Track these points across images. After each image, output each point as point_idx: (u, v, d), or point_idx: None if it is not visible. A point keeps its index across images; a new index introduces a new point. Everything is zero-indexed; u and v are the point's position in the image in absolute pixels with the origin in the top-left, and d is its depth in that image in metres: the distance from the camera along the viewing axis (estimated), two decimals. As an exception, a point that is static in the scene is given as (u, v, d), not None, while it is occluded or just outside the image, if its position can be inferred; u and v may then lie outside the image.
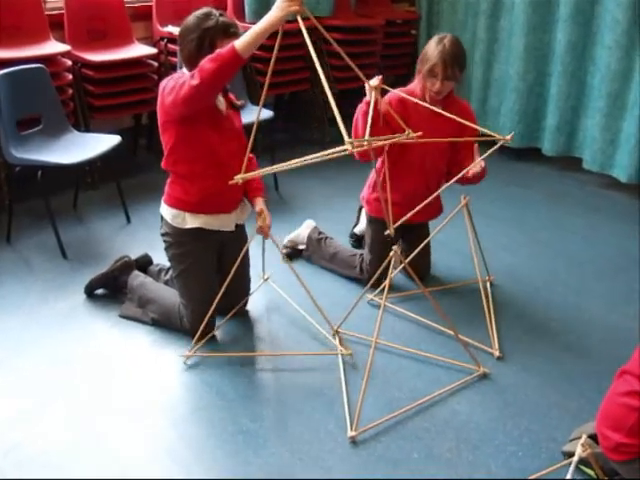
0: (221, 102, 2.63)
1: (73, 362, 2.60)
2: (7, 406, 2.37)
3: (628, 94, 4.04)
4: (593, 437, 2.09)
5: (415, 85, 2.95)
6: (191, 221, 2.64)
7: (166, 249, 2.73)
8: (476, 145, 2.79)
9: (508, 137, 2.43)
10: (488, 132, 2.51)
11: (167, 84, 2.46)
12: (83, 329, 2.81)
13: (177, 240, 2.68)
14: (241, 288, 2.89)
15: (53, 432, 2.25)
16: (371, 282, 2.74)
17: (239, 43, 2.22)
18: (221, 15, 2.50)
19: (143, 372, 2.57)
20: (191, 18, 2.51)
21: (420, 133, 2.31)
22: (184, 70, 2.57)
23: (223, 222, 2.71)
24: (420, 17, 5.40)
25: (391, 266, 2.43)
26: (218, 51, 2.28)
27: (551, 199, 4.21)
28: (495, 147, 2.47)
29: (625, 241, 3.60)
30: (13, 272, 3.23)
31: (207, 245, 2.71)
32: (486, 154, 2.47)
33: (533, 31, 4.47)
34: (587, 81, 4.35)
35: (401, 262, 2.61)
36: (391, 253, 2.40)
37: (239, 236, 2.82)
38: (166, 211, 2.69)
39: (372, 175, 3.12)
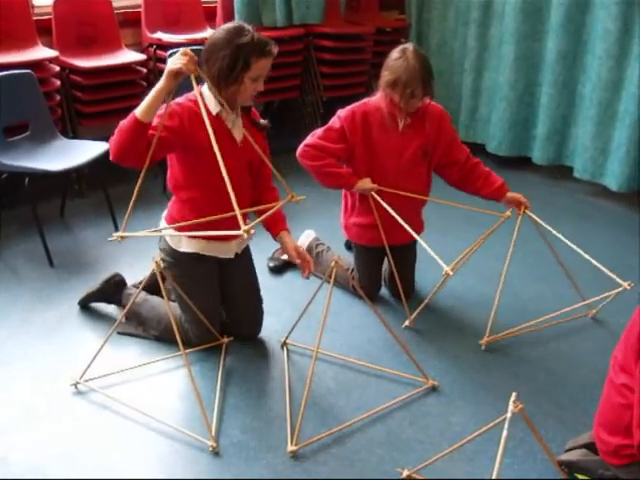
0: (237, 128, 2.47)
1: (60, 373, 2.55)
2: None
3: (619, 103, 4.04)
4: (590, 446, 2.07)
5: (379, 100, 2.81)
6: (187, 245, 2.54)
7: (165, 269, 2.54)
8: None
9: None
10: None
11: None
12: (71, 339, 2.77)
13: (175, 261, 2.58)
14: (252, 313, 2.79)
15: (40, 446, 2.21)
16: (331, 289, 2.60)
17: (138, 109, 2.17)
18: (255, 31, 2.31)
19: (133, 381, 2.53)
20: (220, 32, 2.30)
21: None
22: (204, 88, 2.36)
23: (220, 250, 2.60)
24: (410, 25, 5.39)
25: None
26: (120, 123, 2.22)
27: (541, 208, 4.17)
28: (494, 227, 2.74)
29: (616, 249, 3.59)
30: (0, 280, 3.18)
31: (206, 267, 2.61)
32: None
33: (524, 40, 4.47)
34: (578, 90, 4.35)
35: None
36: (332, 264, 2.30)
37: (242, 259, 2.71)
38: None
39: (345, 198, 3.06)
